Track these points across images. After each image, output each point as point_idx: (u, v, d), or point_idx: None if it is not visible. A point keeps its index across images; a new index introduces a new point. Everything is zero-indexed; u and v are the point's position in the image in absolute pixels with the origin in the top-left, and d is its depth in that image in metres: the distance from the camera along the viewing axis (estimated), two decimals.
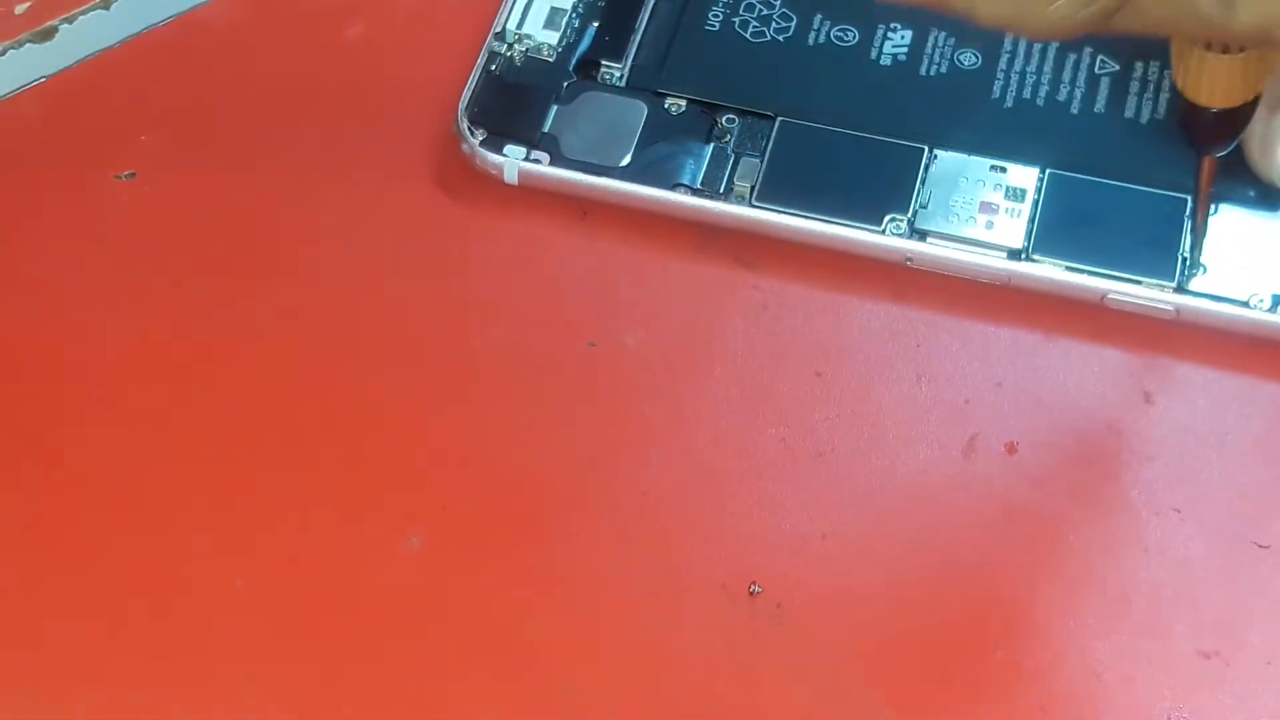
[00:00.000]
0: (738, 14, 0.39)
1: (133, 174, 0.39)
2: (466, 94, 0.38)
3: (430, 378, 0.36)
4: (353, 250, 0.38)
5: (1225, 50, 0.30)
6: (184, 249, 0.38)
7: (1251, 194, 0.36)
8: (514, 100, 0.38)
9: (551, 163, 0.37)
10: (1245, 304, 0.35)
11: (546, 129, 0.38)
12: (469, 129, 0.38)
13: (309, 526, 0.34)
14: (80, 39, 0.40)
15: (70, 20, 0.40)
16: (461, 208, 0.38)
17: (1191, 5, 0.25)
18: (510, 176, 0.37)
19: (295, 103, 0.39)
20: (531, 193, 0.38)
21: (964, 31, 0.38)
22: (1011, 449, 0.34)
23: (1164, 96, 0.37)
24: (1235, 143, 0.33)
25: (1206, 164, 0.34)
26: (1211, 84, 0.31)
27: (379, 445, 0.35)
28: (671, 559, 0.33)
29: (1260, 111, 0.35)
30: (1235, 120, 0.32)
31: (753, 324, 0.36)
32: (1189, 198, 0.36)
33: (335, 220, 0.38)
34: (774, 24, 0.39)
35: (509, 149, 0.37)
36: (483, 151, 0.38)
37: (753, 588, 0.33)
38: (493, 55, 0.39)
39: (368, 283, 0.37)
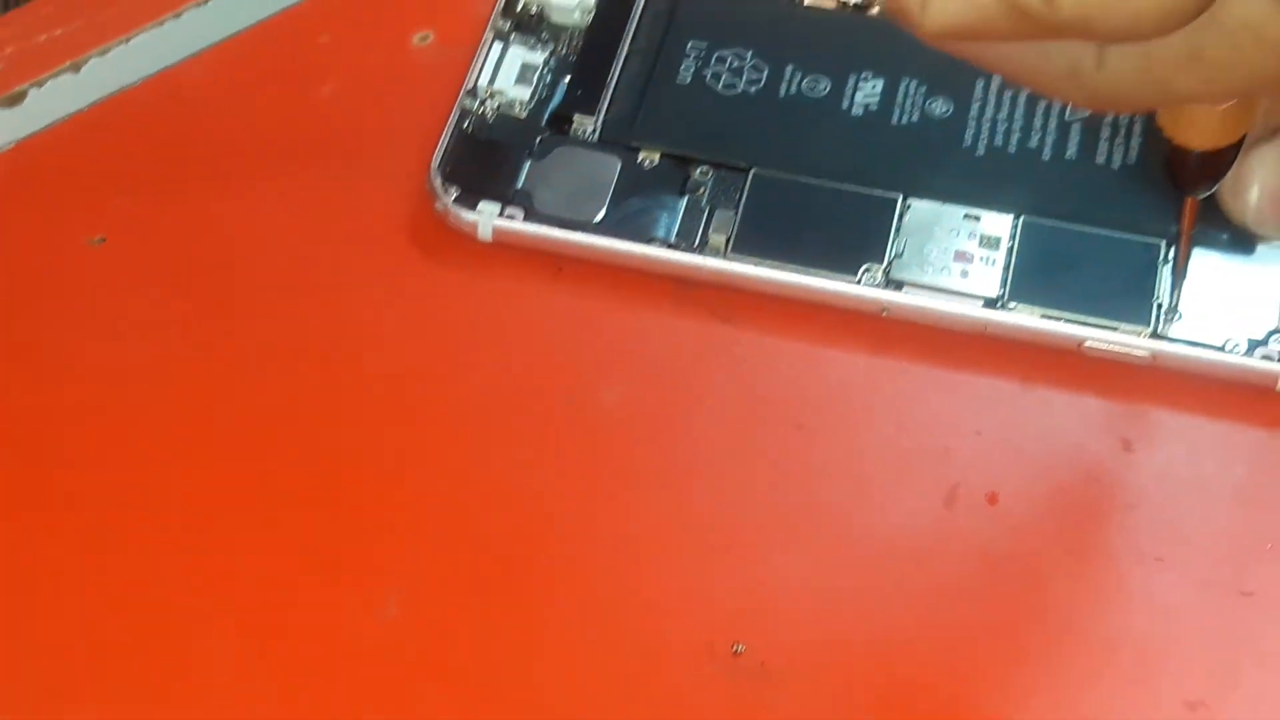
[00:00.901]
0: (709, 67, 0.39)
1: (103, 239, 0.39)
2: (439, 151, 0.38)
3: (406, 437, 0.36)
4: (327, 311, 0.37)
5: None
6: (156, 313, 0.37)
7: (1225, 237, 0.36)
8: (487, 157, 0.38)
9: (525, 219, 0.37)
10: (1221, 349, 0.35)
11: (520, 185, 0.38)
12: (442, 186, 0.38)
13: (285, 587, 0.34)
14: (49, 103, 0.40)
15: (39, 84, 0.40)
16: (435, 266, 0.38)
17: (1258, 33, 0.25)
18: (484, 233, 0.37)
19: (267, 163, 0.39)
20: (506, 249, 0.37)
21: (935, 80, 0.38)
22: (993, 499, 0.34)
23: (1135, 142, 0.37)
24: (1218, 184, 0.33)
25: (1189, 205, 0.34)
26: (1197, 126, 0.31)
27: (354, 504, 0.35)
28: (653, 619, 0.33)
29: None
30: (1220, 162, 0.32)
31: (731, 377, 0.36)
32: (1163, 243, 0.36)
33: (309, 281, 0.38)
34: (746, 76, 0.39)
35: (482, 206, 0.37)
36: (456, 209, 0.37)
37: (736, 647, 0.33)
38: (465, 112, 0.39)
39: (342, 343, 0.37)
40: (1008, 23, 0.25)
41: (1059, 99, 0.27)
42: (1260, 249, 0.36)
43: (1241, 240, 0.36)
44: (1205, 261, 0.36)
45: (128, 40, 0.40)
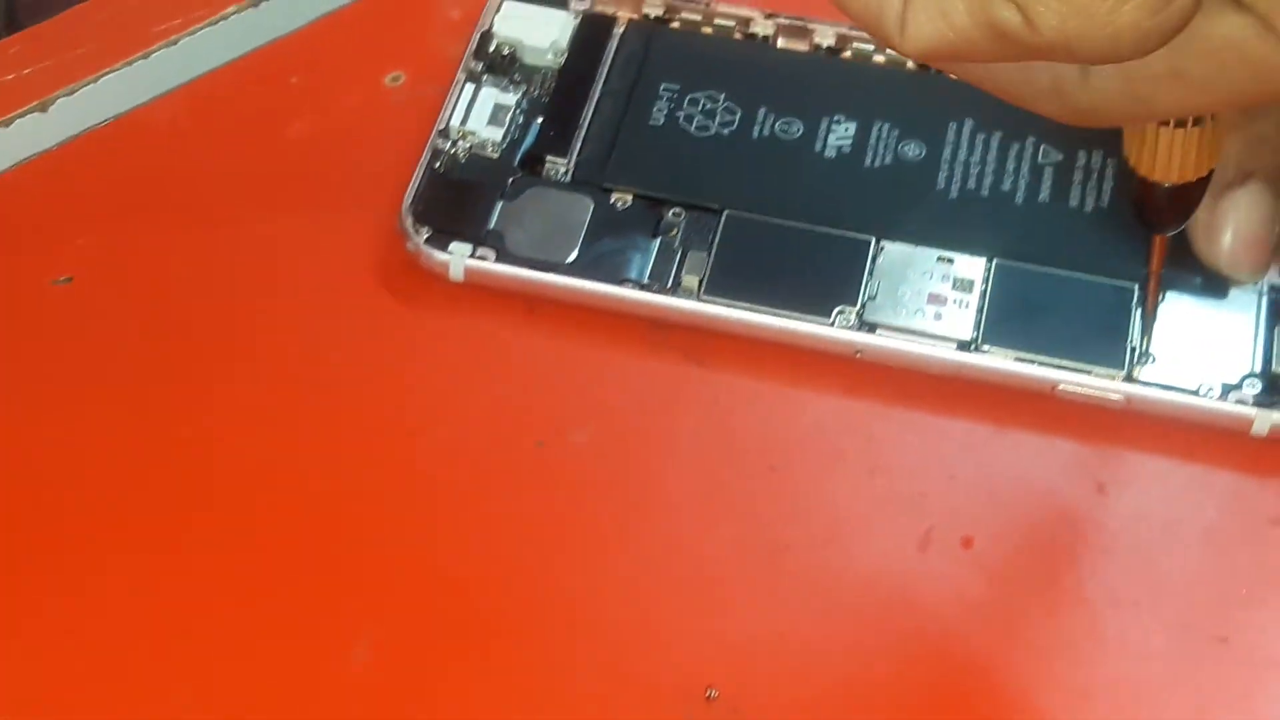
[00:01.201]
0: (682, 108, 0.39)
1: (69, 279, 0.38)
2: (410, 192, 0.38)
3: (376, 479, 0.35)
4: (297, 352, 0.37)
5: (1178, 124, 0.30)
6: (123, 354, 0.37)
7: (1198, 281, 0.36)
8: (459, 197, 0.38)
9: (497, 259, 0.37)
10: (1195, 393, 0.35)
11: (492, 226, 0.38)
12: (414, 227, 0.37)
13: (253, 631, 0.33)
14: (16, 143, 0.40)
15: (7, 124, 0.40)
16: (407, 306, 0.37)
17: (1239, 50, 0.25)
18: (456, 274, 0.37)
19: (236, 204, 0.39)
20: (478, 290, 0.37)
21: (907, 123, 0.38)
22: (967, 543, 0.34)
23: (1107, 185, 0.37)
24: (1187, 221, 0.33)
25: (1158, 243, 0.34)
26: (1165, 158, 0.31)
27: (324, 546, 0.34)
28: (625, 663, 0.33)
29: (1204, 197, 0.35)
30: (1188, 197, 0.32)
31: (704, 420, 0.36)
32: (1136, 286, 0.36)
33: (279, 322, 0.37)
34: (718, 118, 0.39)
35: (454, 246, 0.37)
36: (427, 249, 0.37)
37: (709, 692, 0.32)
38: (437, 152, 0.38)
39: (312, 385, 0.37)
40: (988, 44, 0.25)
41: (1041, 113, 0.27)
42: (1233, 293, 0.36)
43: (1215, 284, 0.36)
44: (1179, 305, 0.36)
45: (96, 80, 0.40)
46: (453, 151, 0.39)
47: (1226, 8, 0.24)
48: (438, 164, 0.38)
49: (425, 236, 0.37)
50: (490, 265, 0.37)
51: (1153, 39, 0.24)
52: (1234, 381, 0.35)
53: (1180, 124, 0.30)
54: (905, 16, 0.25)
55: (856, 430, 0.36)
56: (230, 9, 0.41)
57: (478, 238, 0.37)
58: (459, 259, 0.37)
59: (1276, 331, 0.35)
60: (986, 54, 0.25)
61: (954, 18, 0.25)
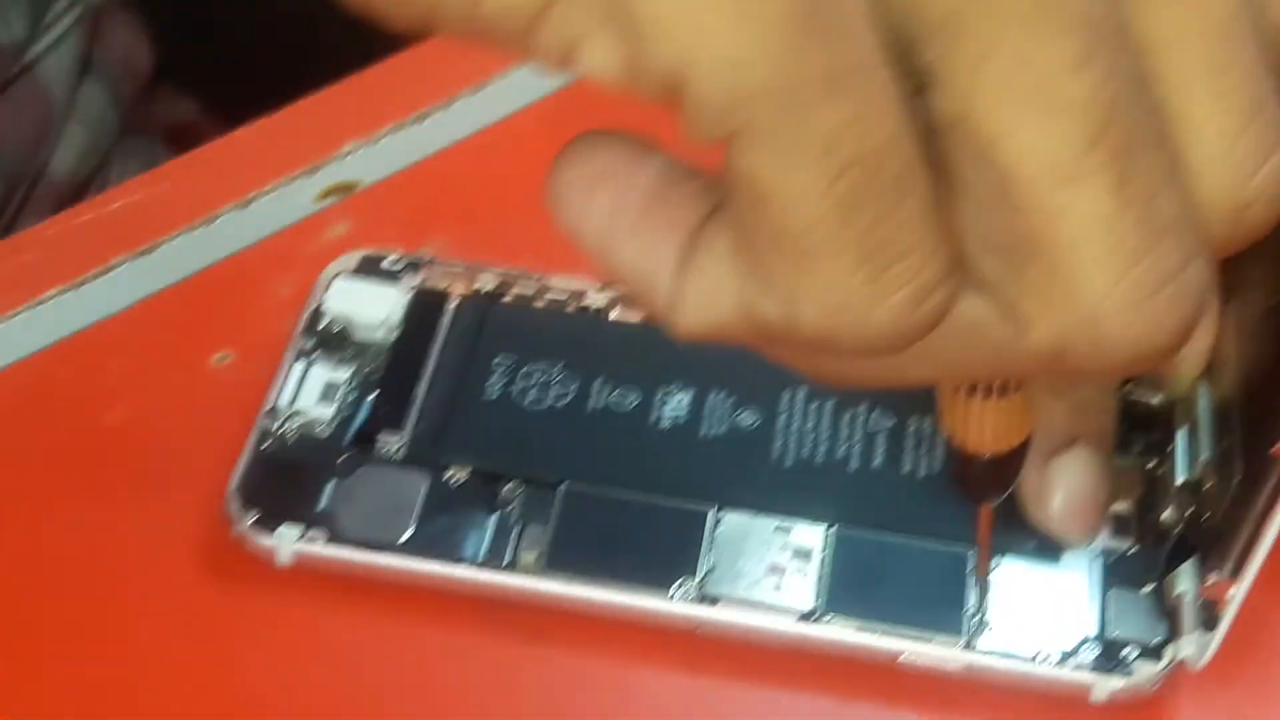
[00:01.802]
0: (516, 382, 0.39)
1: None
2: (236, 474, 0.37)
3: None
4: (120, 647, 0.36)
5: (992, 394, 0.30)
6: None
7: (1031, 545, 0.36)
8: (288, 478, 0.37)
9: (329, 542, 0.36)
10: (1033, 660, 0.35)
11: (322, 506, 0.37)
12: (240, 510, 0.36)
13: None
14: None
15: None
16: (232, 594, 0.36)
17: (981, 333, 0.25)
18: (284, 558, 0.36)
19: (54, 494, 0.38)
20: (308, 574, 0.36)
21: (742, 391, 0.39)
22: None
23: (939, 450, 0.38)
24: (1009, 490, 0.33)
25: (984, 514, 0.34)
26: (981, 429, 0.31)
27: None
28: None
29: (1032, 460, 0.36)
30: (1009, 466, 0.32)
31: (543, 701, 0.35)
32: (971, 552, 0.36)
33: (101, 616, 0.36)
34: (554, 390, 0.39)
35: (282, 529, 0.36)
36: (254, 533, 0.36)
37: None
38: (265, 433, 0.38)
39: (136, 680, 0.35)
40: (753, 335, 0.25)
41: (797, 372, 0.28)
42: (1067, 557, 0.36)
43: (1048, 548, 0.36)
44: (1014, 569, 0.36)
45: None
46: (281, 431, 0.38)
47: (969, 291, 0.24)
48: (265, 444, 0.38)
49: (251, 520, 0.36)
50: (320, 548, 0.36)
51: (911, 335, 0.24)
52: (1071, 648, 0.35)
53: (988, 394, 0.30)
54: (673, 302, 0.26)
55: (699, 709, 0.35)
56: (50, 291, 0.40)
57: (307, 519, 0.36)
58: (287, 542, 0.36)
59: (1111, 595, 0.35)
60: (752, 341, 0.26)
61: (720, 307, 0.25)
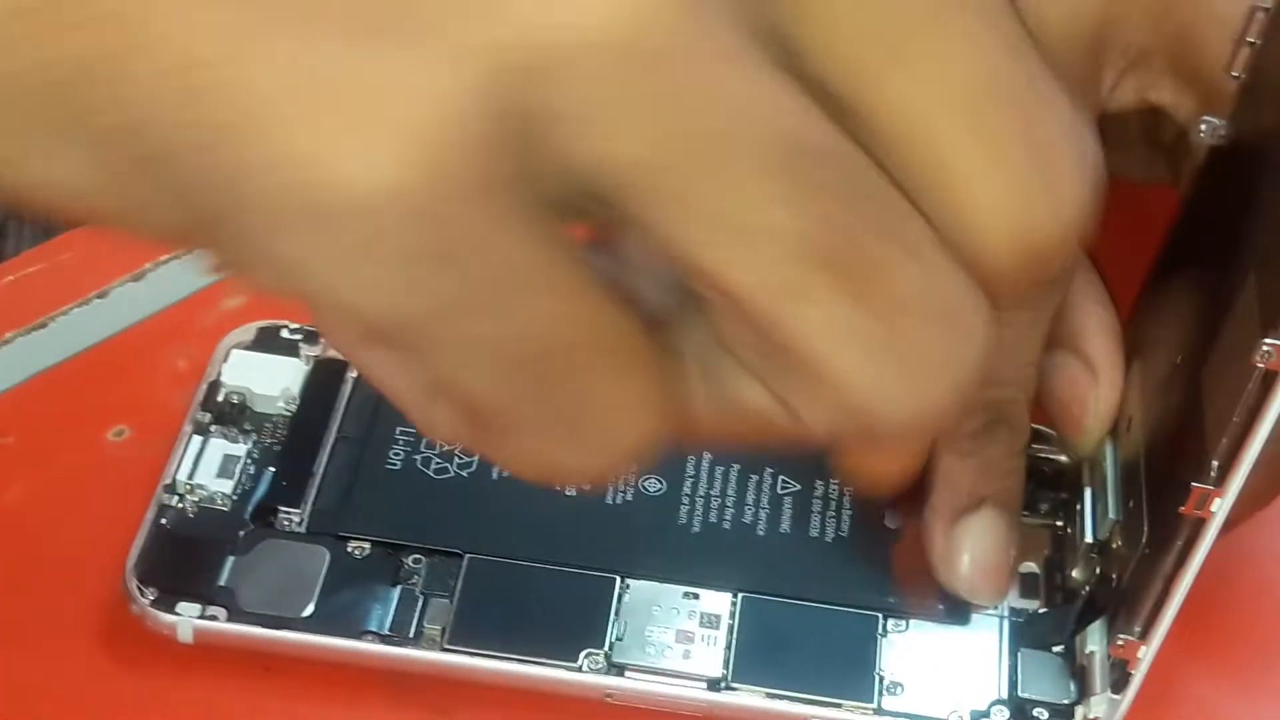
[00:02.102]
0: (420, 451, 0.38)
1: None
2: (134, 551, 0.36)
3: None
4: None
5: None
6: None
7: (940, 608, 0.36)
8: (187, 554, 0.36)
9: (229, 618, 0.35)
10: None
11: (222, 582, 0.36)
12: (138, 588, 0.35)
13: None
14: None
15: None
16: (133, 673, 0.35)
17: (766, 416, 0.25)
18: (184, 636, 0.35)
19: None
20: (209, 651, 0.35)
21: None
22: None
23: (846, 514, 0.38)
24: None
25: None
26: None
27: None
28: None
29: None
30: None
31: None
32: (880, 615, 0.36)
33: (0, 697, 0.35)
34: (456, 459, 0.38)
35: (182, 607, 0.35)
36: (153, 611, 0.35)
37: None
38: (163, 508, 0.37)
39: None
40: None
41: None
42: (976, 618, 0.36)
43: (958, 610, 0.36)
44: (924, 631, 0.36)
45: None
46: (180, 506, 0.37)
47: (745, 379, 0.25)
48: (164, 520, 0.37)
49: (151, 598, 0.35)
50: (221, 625, 0.35)
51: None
52: (983, 708, 0.35)
53: None
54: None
55: None
56: None
57: (208, 596, 0.36)
58: (187, 620, 0.35)
59: (1021, 655, 0.36)
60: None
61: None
